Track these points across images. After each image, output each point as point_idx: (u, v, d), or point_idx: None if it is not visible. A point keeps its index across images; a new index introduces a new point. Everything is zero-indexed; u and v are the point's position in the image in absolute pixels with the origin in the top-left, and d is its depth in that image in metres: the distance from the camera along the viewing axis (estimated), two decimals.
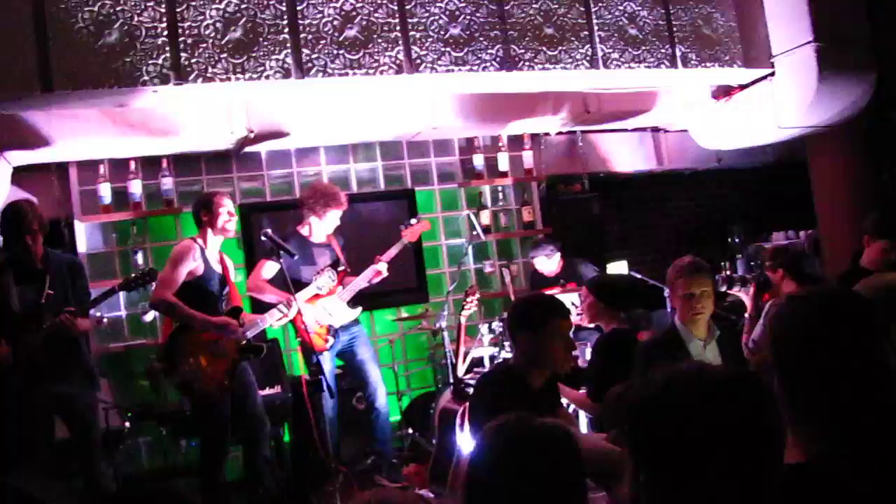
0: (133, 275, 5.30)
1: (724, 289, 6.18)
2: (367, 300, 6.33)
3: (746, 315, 5.63)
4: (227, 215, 5.44)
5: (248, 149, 6.74)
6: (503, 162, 7.75)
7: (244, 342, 5.35)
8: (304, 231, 6.15)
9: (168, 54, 4.82)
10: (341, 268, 6.16)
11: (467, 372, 5.77)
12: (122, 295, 6.36)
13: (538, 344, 3.71)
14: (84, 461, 5.09)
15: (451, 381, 5.64)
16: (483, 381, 4.10)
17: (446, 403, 5.44)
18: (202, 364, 5.17)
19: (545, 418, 2.07)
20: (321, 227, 6.13)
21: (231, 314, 5.35)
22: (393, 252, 6.17)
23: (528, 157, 7.84)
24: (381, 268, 6.08)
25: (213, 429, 5.27)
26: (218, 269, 5.43)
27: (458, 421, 5.24)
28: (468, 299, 5.57)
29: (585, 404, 5.09)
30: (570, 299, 6.14)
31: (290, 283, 5.36)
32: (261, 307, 5.96)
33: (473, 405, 3.99)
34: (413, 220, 6.46)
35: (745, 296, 6.52)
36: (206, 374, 5.17)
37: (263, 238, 5.37)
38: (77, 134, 5.84)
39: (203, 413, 5.28)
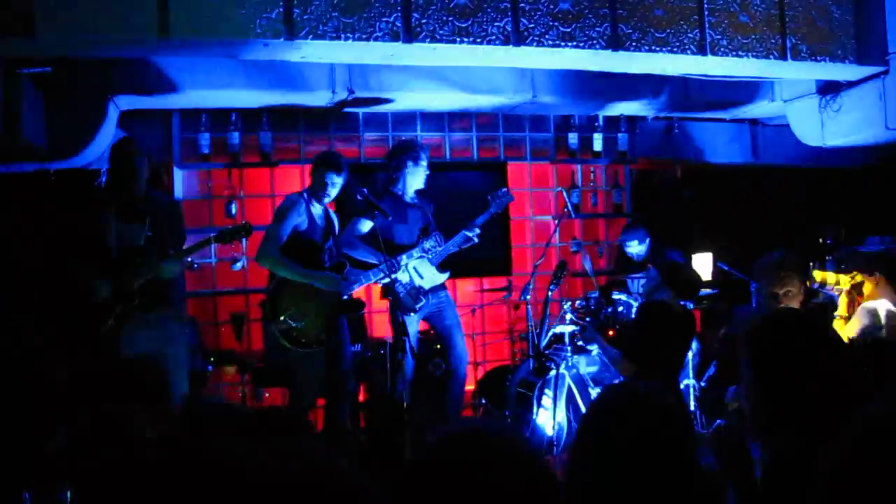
0: (229, 228, 5.43)
1: (816, 286, 6.06)
2: (451, 268, 6.38)
3: (836, 315, 5.55)
4: (329, 190, 5.55)
5: (345, 109, 6.82)
6: (598, 142, 7.72)
7: (344, 297, 5.46)
8: (397, 190, 6.19)
9: (281, 8, 4.89)
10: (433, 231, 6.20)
11: (547, 347, 5.80)
12: None
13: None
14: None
15: (532, 354, 5.66)
16: None
17: (525, 376, 5.48)
18: (303, 314, 5.30)
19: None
20: (411, 183, 6.16)
21: (335, 269, 5.46)
22: (482, 219, 6.18)
23: (622, 140, 7.79)
24: (471, 234, 6.09)
25: (304, 380, 5.40)
26: (321, 223, 5.53)
27: (535, 394, 5.29)
28: (559, 276, 5.58)
29: (617, 361, 5.04)
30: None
31: (382, 243, 5.43)
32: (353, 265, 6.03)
33: None
34: (501, 190, 6.45)
35: (838, 296, 6.40)
36: (305, 325, 5.29)
37: (359, 197, 5.45)
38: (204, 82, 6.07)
39: (297, 363, 5.40)
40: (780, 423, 2.03)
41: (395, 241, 6.02)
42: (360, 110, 7.04)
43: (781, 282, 4.16)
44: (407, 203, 6.18)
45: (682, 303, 5.11)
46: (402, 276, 5.98)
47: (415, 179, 6.15)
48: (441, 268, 6.22)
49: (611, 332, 5.74)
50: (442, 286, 6.29)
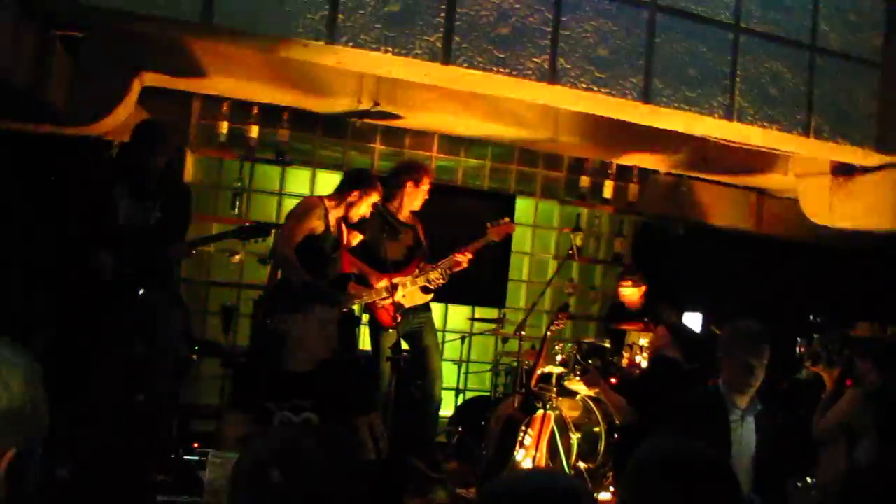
0: (249, 225, 5.40)
1: (808, 363, 6.11)
2: (445, 292, 6.35)
3: (823, 395, 5.61)
4: (365, 208, 5.55)
5: (366, 120, 6.82)
6: (608, 189, 7.75)
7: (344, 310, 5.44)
8: (392, 207, 6.17)
9: (326, 11, 4.87)
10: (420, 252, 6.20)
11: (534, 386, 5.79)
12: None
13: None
14: (150, 377, 5.19)
15: (520, 390, 5.64)
16: None
17: (512, 412, 5.46)
18: (300, 319, 5.26)
19: None
20: (408, 203, 6.17)
21: (340, 280, 5.43)
22: (476, 246, 6.16)
23: (633, 190, 7.83)
24: (461, 258, 6.05)
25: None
26: (335, 232, 5.52)
27: (521, 432, 5.28)
28: (560, 316, 5.58)
29: (622, 408, 5.18)
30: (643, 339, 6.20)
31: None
32: None
33: None
34: (502, 220, 6.44)
35: (826, 375, 6.43)
36: (300, 330, 5.25)
37: (373, 211, 5.43)
38: (233, 71, 6.02)
39: (282, 366, 5.36)
40: None
41: (379, 256, 5.97)
42: (381, 122, 7.03)
43: (762, 353, 4.06)
44: (400, 221, 6.17)
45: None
46: None
47: (412, 200, 6.15)
48: (425, 289, 6.18)
49: (613, 380, 5.74)
50: (426, 306, 6.25)
